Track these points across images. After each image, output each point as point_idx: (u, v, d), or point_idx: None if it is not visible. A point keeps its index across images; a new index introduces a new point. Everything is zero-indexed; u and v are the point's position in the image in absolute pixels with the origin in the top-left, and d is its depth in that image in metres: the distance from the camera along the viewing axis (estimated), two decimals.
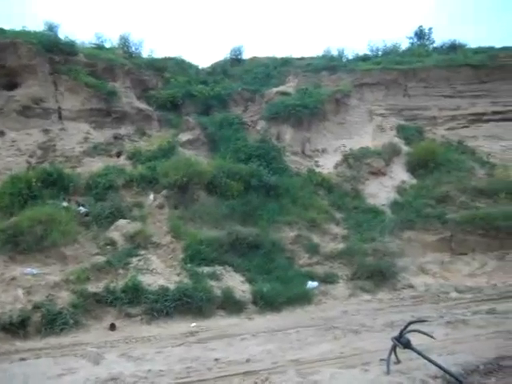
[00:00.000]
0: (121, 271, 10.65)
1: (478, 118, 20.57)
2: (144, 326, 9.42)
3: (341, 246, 12.99)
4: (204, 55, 51.90)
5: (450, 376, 6.18)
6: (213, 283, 10.63)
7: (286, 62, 22.49)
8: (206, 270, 11.10)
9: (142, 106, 17.88)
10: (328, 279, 11.87)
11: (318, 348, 7.83)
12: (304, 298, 10.93)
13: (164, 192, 13.52)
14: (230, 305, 10.27)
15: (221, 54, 22.05)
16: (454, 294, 11.50)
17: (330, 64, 21.73)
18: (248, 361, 7.25)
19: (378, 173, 16.30)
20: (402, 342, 6.50)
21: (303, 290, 11.13)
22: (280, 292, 10.73)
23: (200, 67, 21.93)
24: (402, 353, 6.71)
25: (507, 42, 25.24)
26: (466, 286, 11.98)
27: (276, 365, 6.99)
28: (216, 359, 7.34)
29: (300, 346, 8.05)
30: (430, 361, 6.33)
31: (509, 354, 7.14)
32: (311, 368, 6.71)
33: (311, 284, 11.44)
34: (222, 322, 9.69)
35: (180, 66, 20.91)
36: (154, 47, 21.34)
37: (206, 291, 10.16)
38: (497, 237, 13.39)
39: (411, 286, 11.91)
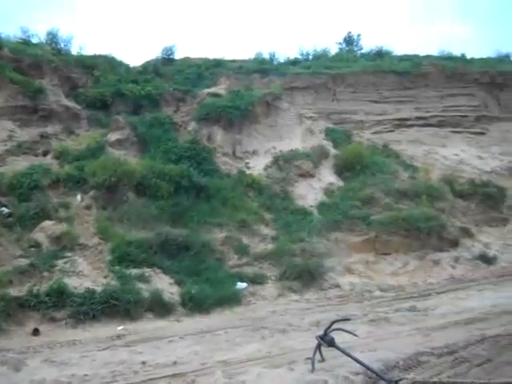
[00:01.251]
0: (45, 274, 10.29)
1: (402, 123, 21.47)
2: (69, 330, 9.15)
3: (270, 246, 13.14)
4: (135, 54, 51.02)
5: (372, 372, 6.43)
6: (141, 285, 10.48)
7: (218, 63, 22.56)
8: (135, 271, 10.94)
9: (71, 104, 17.38)
10: (257, 280, 11.96)
11: (245, 348, 7.92)
12: (233, 299, 10.95)
13: (92, 192, 13.21)
14: (159, 307, 10.15)
15: (152, 53, 21.79)
16: (377, 293, 11.90)
17: (262, 67, 22.02)
18: (175, 363, 7.23)
19: (306, 175, 16.60)
20: (326, 340, 6.70)
21: (232, 291, 11.17)
22: (209, 293, 10.72)
23: (131, 66, 21.56)
24: (327, 351, 6.91)
25: (431, 50, 26.39)
26: (389, 284, 12.42)
27: (204, 366, 7.01)
28: (143, 362, 7.27)
29: (228, 346, 8.11)
30: (353, 358, 6.56)
31: (427, 350, 7.49)
32: (239, 368, 6.80)
33: (240, 285, 11.51)
34: (149, 325, 9.57)
35: (110, 64, 20.46)
36: (83, 44, 20.69)
37: (133, 293, 10.00)
38: (418, 237, 13.96)
39: (337, 286, 12.20)
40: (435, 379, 6.46)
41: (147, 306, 10.13)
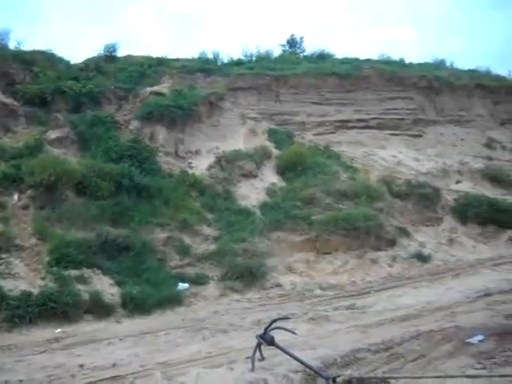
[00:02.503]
0: None
1: (343, 125, 21.89)
2: (4, 334, 8.87)
3: (212, 247, 13.15)
4: (76, 50, 49.72)
5: (310, 369, 6.56)
6: (80, 287, 10.29)
7: (161, 62, 22.27)
8: (73, 273, 10.72)
9: (8, 100, 16.75)
10: (199, 280, 11.96)
11: (186, 349, 7.93)
12: (174, 300, 10.92)
13: (29, 192, 12.82)
14: (98, 309, 10.00)
15: (94, 50, 21.37)
16: (318, 292, 12.11)
17: (205, 66, 21.93)
18: (114, 365, 7.16)
19: (249, 175, 16.70)
20: (266, 339, 6.78)
21: (174, 292, 11.13)
22: (150, 294, 10.65)
23: (72, 62, 20.98)
24: (267, 350, 7.00)
25: (371, 54, 27.09)
26: (329, 283, 12.67)
27: (143, 368, 6.97)
28: (81, 365, 7.16)
29: (169, 348, 8.09)
30: (292, 356, 6.67)
31: (364, 347, 7.71)
32: (178, 369, 6.80)
33: (182, 285, 11.48)
34: (88, 327, 9.40)
35: (50, 60, 19.81)
36: (21, 39, 19.95)
37: (72, 295, 9.80)
38: (357, 237, 14.29)
39: (279, 285, 12.34)
40: (371, 375, 6.67)
41: (86, 307, 9.96)
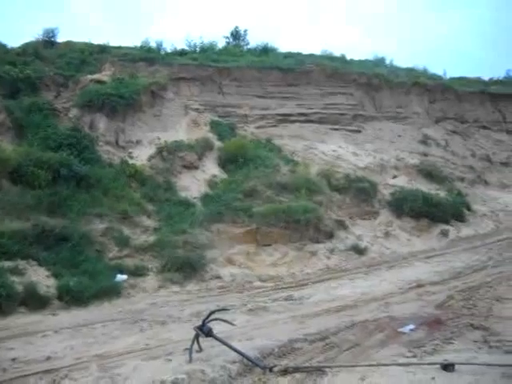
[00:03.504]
0: None
1: (285, 119, 22.12)
2: None
3: (152, 238, 13.04)
4: (16, 36, 47.80)
5: (248, 360, 6.67)
6: (14, 278, 9.98)
7: (102, 49, 21.75)
8: (7, 264, 10.38)
9: None
10: (138, 272, 11.85)
11: (123, 341, 7.86)
12: (112, 292, 10.78)
13: None
14: (33, 301, 9.74)
15: (33, 34, 20.63)
16: (257, 283, 12.25)
17: (148, 55, 21.62)
18: (48, 358, 7.02)
19: (190, 166, 16.65)
20: (204, 330, 6.84)
21: (112, 284, 10.98)
22: (87, 286, 10.46)
23: (8, 46, 20.22)
24: (205, 341, 7.05)
25: (314, 50, 27.42)
26: (269, 275, 12.83)
27: (78, 361, 6.87)
28: (13, 359, 6.98)
29: (105, 340, 8.00)
30: (230, 347, 6.76)
31: (300, 337, 7.88)
32: (115, 362, 6.74)
33: (120, 277, 11.34)
34: (22, 320, 9.15)
35: None
36: None
37: (5, 287, 9.49)
38: (297, 229, 14.50)
39: (219, 277, 12.39)
40: (307, 364, 6.84)
41: (20, 300, 9.68)
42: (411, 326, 8.41)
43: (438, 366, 6.50)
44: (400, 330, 8.30)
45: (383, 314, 9.25)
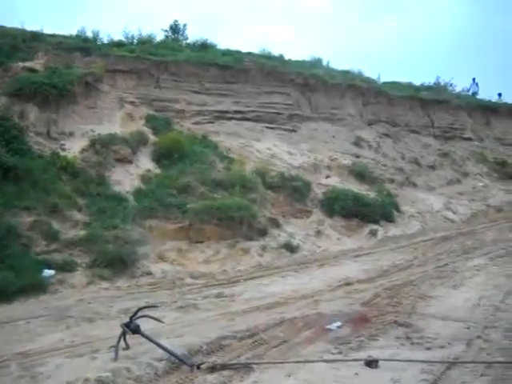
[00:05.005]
0: None
1: (221, 116, 22.09)
2: None
3: (82, 232, 12.71)
4: None
5: (175, 357, 6.63)
6: None
7: (36, 36, 20.89)
8: None
9: None
10: (66, 267, 11.53)
11: (48, 338, 7.64)
12: (39, 288, 10.45)
13: None
14: None
15: None
16: (188, 280, 12.19)
17: (84, 45, 21.00)
18: None
19: (124, 160, 16.31)
20: (131, 327, 6.74)
21: (38, 279, 10.63)
22: (12, 281, 10.06)
23: None
24: (132, 338, 6.96)
25: (252, 48, 27.46)
26: (201, 272, 12.80)
27: None
28: None
29: (29, 337, 7.75)
30: (157, 344, 6.70)
31: (229, 334, 7.91)
32: (37, 360, 6.54)
33: (47, 272, 11.00)
34: None
35: None
36: None
37: None
38: (230, 226, 14.54)
39: (149, 273, 12.26)
40: (235, 361, 6.87)
41: None
42: (338, 323, 8.60)
43: (362, 362, 6.70)
44: (327, 326, 8.48)
45: (312, 311, 9.43)
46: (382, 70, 74.05)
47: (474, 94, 39.25)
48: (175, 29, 27.15)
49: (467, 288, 11.12)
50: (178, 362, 6.64)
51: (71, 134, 16.78)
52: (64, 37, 21.72)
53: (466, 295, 10.48)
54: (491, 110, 37.44)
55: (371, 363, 6.61)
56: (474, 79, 39.09)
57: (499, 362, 6.76)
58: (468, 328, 8.27)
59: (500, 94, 40.57)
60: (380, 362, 6.63)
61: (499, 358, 6.91)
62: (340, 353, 7.26)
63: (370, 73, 31.77)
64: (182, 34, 27.26)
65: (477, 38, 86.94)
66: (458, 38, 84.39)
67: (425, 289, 11.01)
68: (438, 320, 8.79)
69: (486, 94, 40.67)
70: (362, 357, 6.90)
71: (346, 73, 29.88)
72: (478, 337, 7.80)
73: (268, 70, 24.80)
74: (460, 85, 39.02)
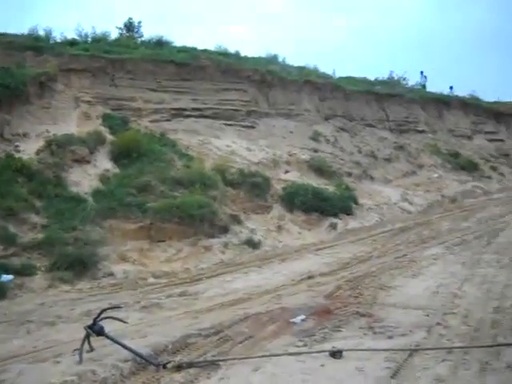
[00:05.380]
0: None
1: (179, 113, 22.00)
2: None
3: (40, 235, 12.47)
4: None
5: (141, 358, 6.60)
6: None
7: None
8: None
9: None
10: (25, 271, 11.29)
11: (8, 345, 7.46)
12: None
13: None
14: None
15: None
16: (151, 280, 12.11)
17: (36, 44, 20.57)
18: None
19: (81, 160, 16.05)
20: (95, 329, 6.67)
21: None
22: None
23: None
24: (97, 341, 6.88)
25: (210, 44, 27.40)
26: (163, 271, 12.73)
27: None
28: None
29: None
30: (122, 345, 6.65)
31: (194, 332, 7.91)
32: None
33: (5, 277, 10.73)
34: None
35: None
36: None
37: None
38: (191, 224, 14.50)
39: (111, 274, 12.13)
40: (201, 359, 6.89)
41: None
42: (302, 317, 8.70)
43: (326, 353, 6.81)
44: (291, 320, 8.56)
45: (276, 305, 9.49)
46: (336, 65, 75.05)
47: (423, 86, 40.31)
48: (130, 26, 26.84)
49: (425, 277, 11.39)
50: (143, 362, 6.61)
51: (26, 135, 16.45)
52: (15, 36, 21.16)
53: (425, 284, 10.73)
54: (443, 103, 38.54)
55: (336, 354, 6.73)
56: (421, 72, 40.40)
57: (459, 347, 6.98)
58: (428, 315, 8.50)
59: (451, 88, 41.81)
60: (344, 353, 6.76)
61: (458, 343, 7.14)
62: (305, 345, 7.36)
63: (325, 68, 32.19)
64: (136, 32, 26.97)
65: (428, 33, 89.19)
66: (410, 33, 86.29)
67: (385, 279, 11.23)
68: (399, 309, 9.00)
69: (438, 87, 41.86)
70: (326, 348, 7.01)
71: (301, 69, 30.18)
72: (438, 324, 8.03)
73: (225, 67, 24.82)
74: (413, 79, 40.05)
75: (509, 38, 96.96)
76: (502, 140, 40.90)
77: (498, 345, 6.92)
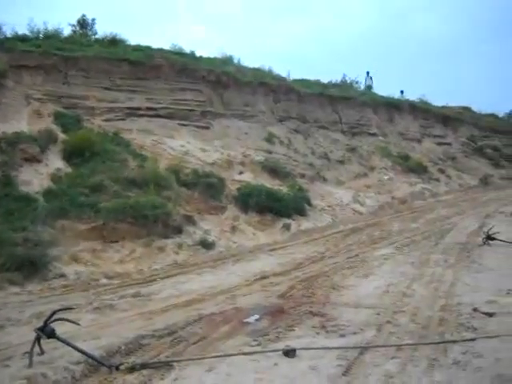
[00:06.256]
0: None
1: (133, 112, 21.78)
2: None
3: None
4: None
5: (93, 359, 6.55)
6: None
7: None
8: None
9: None
10: None
11: None
12: None
13: None
14: None
15: None
16: (104, 281, 11.96)
17: None
18: None
19: (32, 159, 15.68)
20: (46, 332, 6.57)
21: None
22: None
23: None
24: (48, 343, 6.78)
25: (164, 44, 27.21)
26: (116, 272, 12.58)
27: None
28: None
29: None
30: (74, 347, 6.58)
31: (148, 333, 7.89)
32: None
33: None
34: None
35: None
36: None
37: None
38: (145, 225, 14.39)
39: (63, 276, 11.89)
40: (154, 360, 6.88)
41: None
42: (256, 316, 8.79)
43: (280, 352, 6.92)
44: (245, 320, 8.65)
45: (230, 306, 9.55)
46: (291, 68, 75.78)
47: (369, 87, 40.87)
48: (83, 24, 26.33)
49: (376, 276, 11.66)
50: (96, 364, 6.56)
51: None
52: None
53: (376, 283, 10.98)
54: (394, 107, 39.52)
55: (289, 353, 6.84)
56: (367, 73, 40.80)
57: (408, 344, 7.20)
58: (378, 314, 8.72)
59: (402, 92, 42.90)
60: (297, 351, 6.87)
61: (407, 340, 7.37)
62: (259, 345, 7.44)
63: (279, 70, 32.50)
64: (90, 29, 26.50)
65: (381, 39, 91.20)
66: (363, 38, 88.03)
67: (337, 279, 11.44)
68: (351, 308, 9.20)
69: (389, 91, 42.88)
70: (280, 347, 7.11)
71: (256, 70, 30.33)
72: (388, 322, 8.26)
73: (180, 67, 24.73)
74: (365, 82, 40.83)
75: (455, 46, 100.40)
76: (449, 143, 42.35)
77: (445, 342, 7.19)
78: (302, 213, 19.91)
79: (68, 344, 6.66)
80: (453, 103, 47.01)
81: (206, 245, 15.24)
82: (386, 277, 11.55)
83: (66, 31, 24.77)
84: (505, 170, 42.89)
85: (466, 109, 48.36)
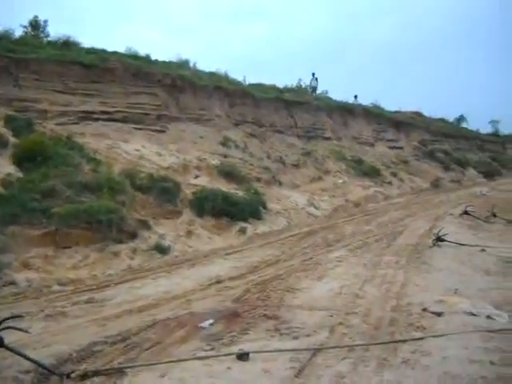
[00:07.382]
0: None
1: (87, 116, 21.46)
2: None
3: None
4: None
5: (43, 368, 6.47)
6: None
7: None
8: None
9: None
10: None
11: None
12: None
13: None
14: None
15: None
16: (56, 288, 11.74)
17: None
18: None
19: None
20: None
21: None
22: None
23: None
24: None
25: (119, 47, 26.99)
26: (69, 278, 12.36)
27: None
28: None
29: None
30: (23, 356, 6.48)
31: (101, 340, 7.84)
32: None
33: None
34: None
35: None
36: None
37: None
38: (99, 230, 14.19)
39: (13, 283, 11.60)
40: (107, 366, 6.84)
41: None
42: (210, 321, 8.83)
43: (233, 356, 7.00)
44: (200, 325, 8.68)
45: (184, 311, 9.57)
46: (247, 72, 76.15)
47: (314, 88, 41.25)
48: (35, 25, 25.81)
49: (330, 279, 11.88)
50: (46, 372, 6.48)
51: None
52: None
53: (329, 285, 11.20)
54: (348, 111, 40.29)
55: (242, 356, 6.93)
56: (313, 74, 41.02)
57: (359, 344, 7.41)
58: (331, 316, 8.92)
59: (356, 96, 43.76)
60: (251, 355, 6.97)
61: (359, 341, 7.58)
62: (213, 349, 7.51)
63: (235, 74, 32.66)
64: (42, 31, 25.99)
65: (337, 45, 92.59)
66: (318, 43, 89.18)
67: (292, 282, 11.60)
68: (305, 310, 9.36)
69: (344, 96, 43.62)
70: (233, 351, 7.20)
71: (212, 74, 30.41)
72: (340, 323, 8.46)
73: (135, 70, 24.54)
74: (321, 87, 41.39)
75: (408, 52, 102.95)
76: (401, 147, 43.49)
77: (395, 341, 7.43)
78: (257, 216, 20.03)
79: (17, 353, 6.54)
80: (405, 107, 48.23)
81: (161, 249, 15.16)
82: (339, 279, 11.79)
83: (18, 32, 24.29)
84: (454, 172, 44.41)
85: (418, 113, 49.80)
